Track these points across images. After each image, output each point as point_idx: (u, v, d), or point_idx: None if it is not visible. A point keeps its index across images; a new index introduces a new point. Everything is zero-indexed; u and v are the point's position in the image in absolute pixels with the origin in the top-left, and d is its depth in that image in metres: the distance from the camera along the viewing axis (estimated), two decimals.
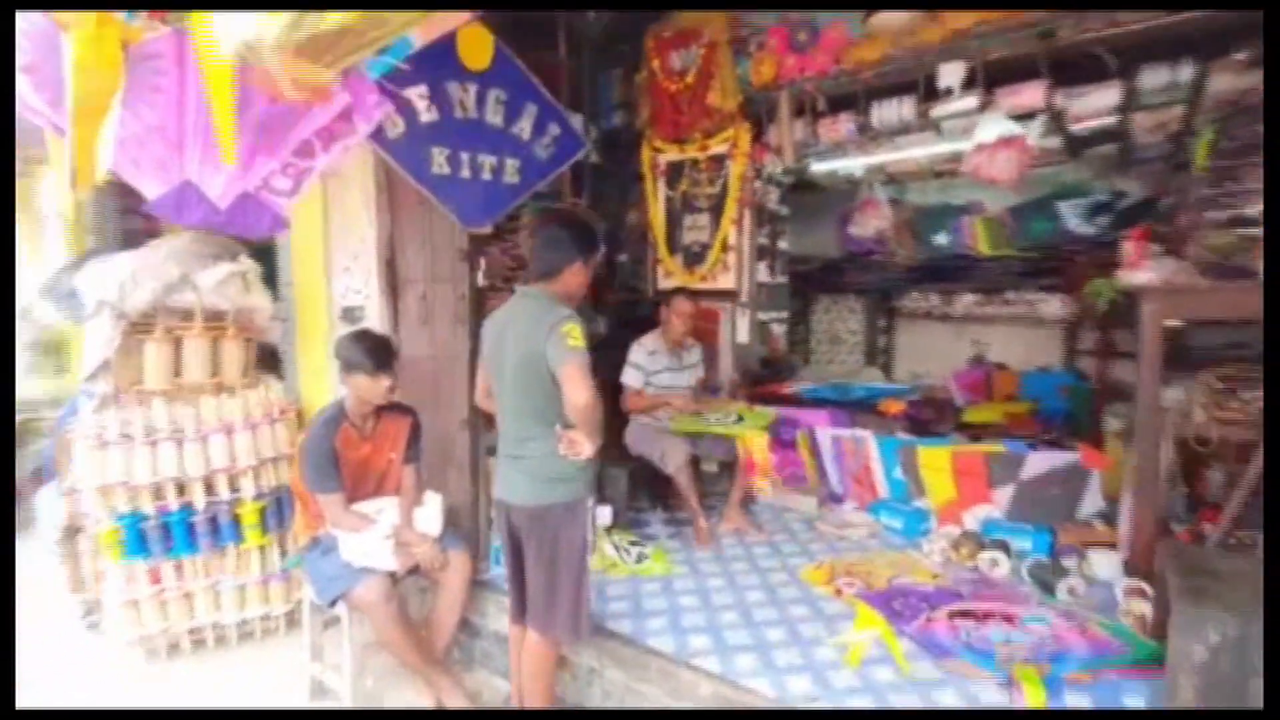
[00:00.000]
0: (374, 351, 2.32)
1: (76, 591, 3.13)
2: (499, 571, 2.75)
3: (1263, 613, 1.49)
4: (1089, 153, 4.07)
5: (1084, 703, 2.04)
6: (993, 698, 2.11)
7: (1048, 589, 2.73)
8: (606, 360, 3.46)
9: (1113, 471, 3.19)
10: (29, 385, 4.54)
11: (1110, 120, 3.37)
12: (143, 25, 1.83)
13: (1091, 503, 3.24)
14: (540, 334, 1.95)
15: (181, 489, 2.80)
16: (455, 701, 2.39)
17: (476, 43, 2.94)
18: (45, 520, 3.25)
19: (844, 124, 3.68)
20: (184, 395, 2.84)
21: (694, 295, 3.68)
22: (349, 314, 3.00)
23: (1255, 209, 2.62)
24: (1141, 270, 3.08)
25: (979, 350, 5.29)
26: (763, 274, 4.24)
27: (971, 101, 3.24)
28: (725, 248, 4.14)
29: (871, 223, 5.25)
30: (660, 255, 4.44)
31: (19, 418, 4.32)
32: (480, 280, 3.11)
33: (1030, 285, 4.87)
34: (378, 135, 2.61)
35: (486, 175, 3.06)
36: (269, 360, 3.29)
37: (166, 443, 2.74)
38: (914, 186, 5.36)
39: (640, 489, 3.77)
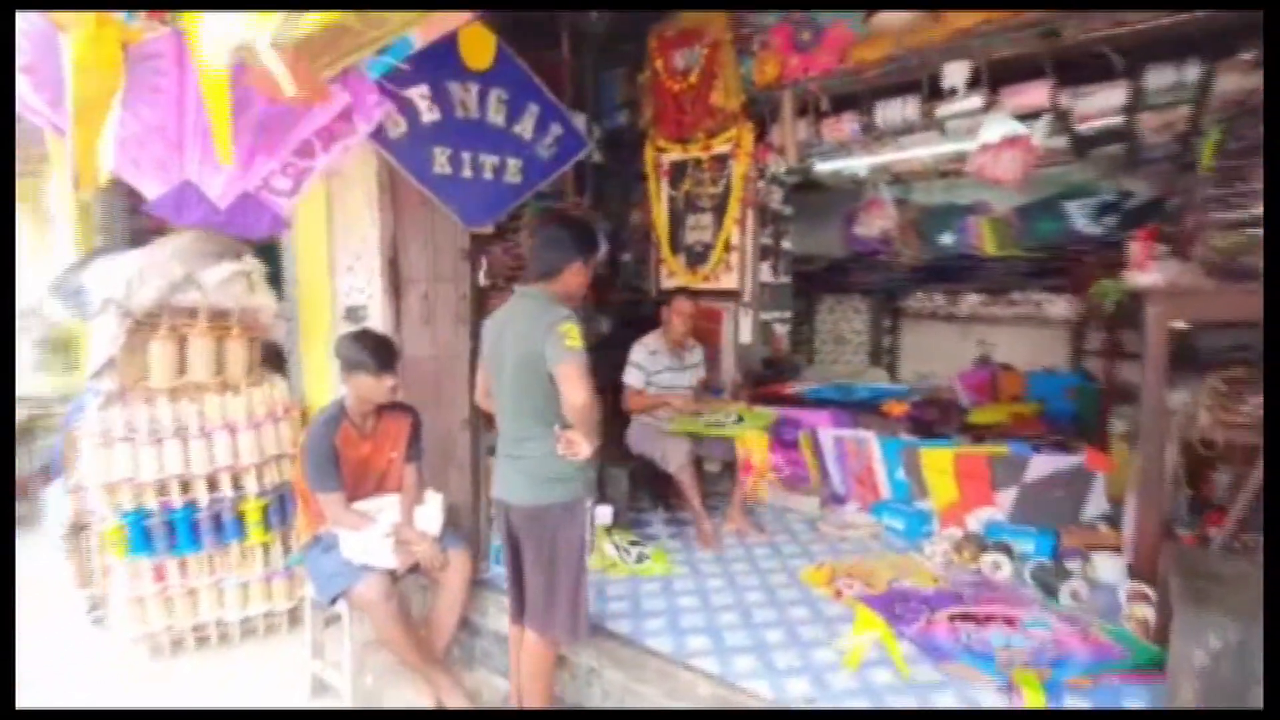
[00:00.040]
0: (377, 351, 2.33)
1: (82, 587, 3.16)
2: (499, 571, 2.75)
3: (1262, 619, 1.47)
4: (1095, 153, 4.03)
5: (1083, 708, 2.02)
6: (992, 701, 2.09)
7: (1050, 592, 2.71)
8: (609, 360, 3.47)
9: (1117, 474, 3.17)
10: (38, 382, 4.56)
11: (1116, 120, 3.33)
12: (142, 25, 1.84)
13: (1095, 505, 3.22)
14: (539, 334, 1.95)
15: (185, 486, 2.81)
16: (455, 700, 2.39)
17: (478, 42, 2.94)
18: (52, 516, 3.28)
19: (847, 124, 3.67)
20: (188, 393, 2.86)
21: (695, 295, 3.68)
22: (352, 313, 3.01)
23: (1261, 209, 2.59)
24: (1147, 271, 3.05)
25: (984, 351, 5.26)
26: (766, 274, 4.23)
27: (976, 101, 3.22)
28: (728, 248, 4.14)
29: (876, 222, 5.24)
30: (663, 255, 4.44)
31: (28, 414, 4.37)
32: (482, 280, 3.12)
33: (1036, 285, 4.84)
34: (379, 135, 2.62)
35: (488, 175, 3.07)
36: (273, 359, 3.30)
37: (171, 440, 2.76)
38: (919, 186, 5.34)
39: (641, 489, 3.77)
